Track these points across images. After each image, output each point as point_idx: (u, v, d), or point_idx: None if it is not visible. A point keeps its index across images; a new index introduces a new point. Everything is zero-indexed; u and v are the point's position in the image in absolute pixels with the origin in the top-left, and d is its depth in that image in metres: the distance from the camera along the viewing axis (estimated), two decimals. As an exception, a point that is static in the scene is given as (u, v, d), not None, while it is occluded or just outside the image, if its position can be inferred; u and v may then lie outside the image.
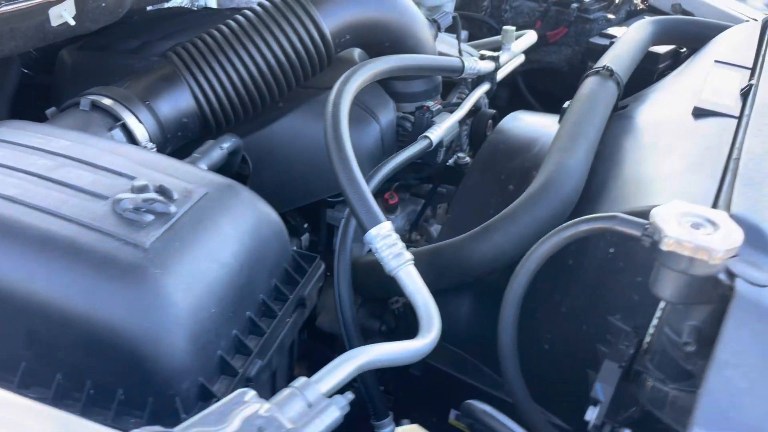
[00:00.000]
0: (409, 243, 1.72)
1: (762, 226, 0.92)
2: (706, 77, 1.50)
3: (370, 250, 1.70)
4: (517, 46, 1.89)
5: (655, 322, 1.02)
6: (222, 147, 1.30)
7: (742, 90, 1.40)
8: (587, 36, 2.42)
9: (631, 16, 2.50)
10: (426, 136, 1.50)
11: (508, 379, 1.06)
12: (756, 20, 2.06)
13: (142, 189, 0.96)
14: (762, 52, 1.61)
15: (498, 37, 1.91)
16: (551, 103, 1.89)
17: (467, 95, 1.72)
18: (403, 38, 1.56)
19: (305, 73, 1.48)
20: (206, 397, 0.90)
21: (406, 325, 1.49)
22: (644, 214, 0.89)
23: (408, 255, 1.07)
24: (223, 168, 1.49)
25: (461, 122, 1.74)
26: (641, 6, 2.50)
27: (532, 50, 2.50)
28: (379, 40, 1.55)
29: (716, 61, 1.59)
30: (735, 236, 0.83)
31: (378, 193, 1.73)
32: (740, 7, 2.43)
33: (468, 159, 1.76)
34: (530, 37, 2.01)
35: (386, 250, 1.07)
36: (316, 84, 1.56)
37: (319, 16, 1.45)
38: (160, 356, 0.85)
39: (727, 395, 0.76)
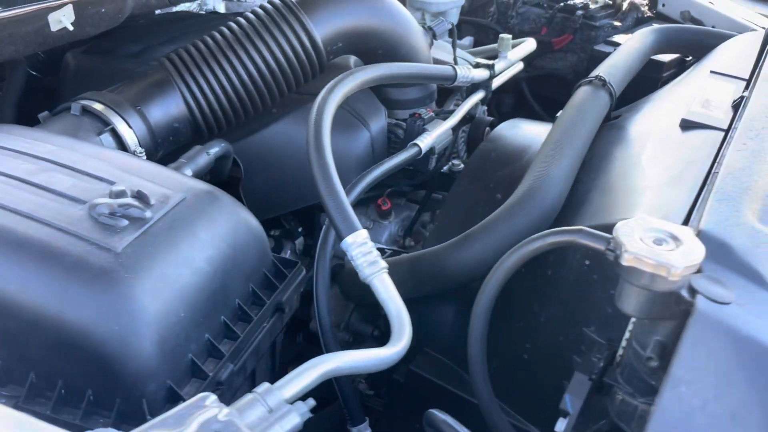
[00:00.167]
0: (403, 249, 1.73)
1: (730, 243, 0.92)
2: (700, 88, 1.49)
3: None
4: (514, 54, 1.89)
5: (627, 335, 1.02)
6: (209, 153, 1.32)
7: (733, 102, 1.39)
8: (593, 43, 2.40)
9: (639, 23, 2.49)
10: (415, 144, 1.51)
11: (477, 388, 1.07)
12: (764, 28, 2.04)
13: (120, 194, 0.99)
14: (760, 64, 1.59)
15: (496, 45, 1.91)
16: (556, 110, 1.89)
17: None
18: (396, 46, 1.57)
19: (297, 80, 1.50)
20: (174, 400, 0.92)
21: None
22: (612, 227, 0.89)
23: (382, 263, 1.09)
24: (214, 173, 1.52)
25: (457, 129, 1.75)
26: (649, 14, 2.48)
27: (537, 57, 2.50)
28: (372, 47, 1.57)
29: (712, 72, 1.58)
30: (696, 253, 0.82)
31: (371, 199, 1.74)
32: (751, 15, 2.40)
33: (463, 166, 1.77)
34: (529, 44, 2.00)
35: (361, 257, 1.08)
36: (310, 90, 1.57)
37: (310, 24, 1.46)
38: (126, 358, 0.87)
39: (680, 412, 0.76)
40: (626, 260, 0.82)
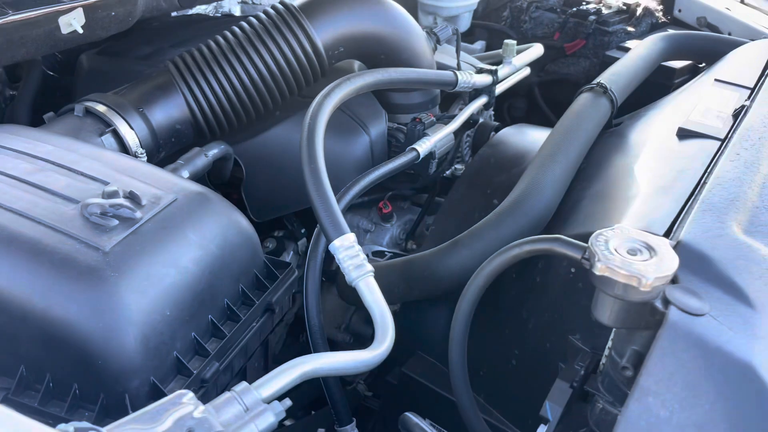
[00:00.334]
0: (404, 252, 1.74)
1: (710, 254, 0.91)
2: (702, 96, 1.47)
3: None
4: (520, 60, 1.89)
5: (610, 344, 1.02)
6: (207, 155, 1.35)
7: (734, 111, 1.38)
8: (605, 48, 2.39)
9: (654, 29, 2.46)
10: (413, 149, 1.52)
11: (457, 392, 1.07)
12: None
13: (112, 194, 1.01)
14: (766, 73, 1.58)
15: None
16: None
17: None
18: (398, 51, 1.59)
19: (298, 83, 1.52)
20: (158, 396, 0.94)
21: (397, 332, 1.51)
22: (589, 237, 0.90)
23: (368, 267, 1.10)
24: (216, 174, 1.55)
25: (460, 134, 1.76)
26: (663, 19, 2.46)
27: (549, 61, 2.50)
28: (374, 52, 1.58)
29: (716, 80, 1.56)
30: (669, 264, 0.83)
31: (373, 202, 1.76)
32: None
33: (465, 170, 1.77)
34: (535, 50, 2.00)
35: (348, 261, 1.10)
36: (313, 94, 1.59)
37: (312, 29, 1.48)
38: (110, 355, 0.90)
39: (646, 423, 0.76)
40: (599, 270, 0.83)
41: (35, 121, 1.61)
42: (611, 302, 0.86)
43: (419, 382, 1.37)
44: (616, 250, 0.84)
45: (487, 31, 2.64)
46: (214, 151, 1.37)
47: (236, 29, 1.50)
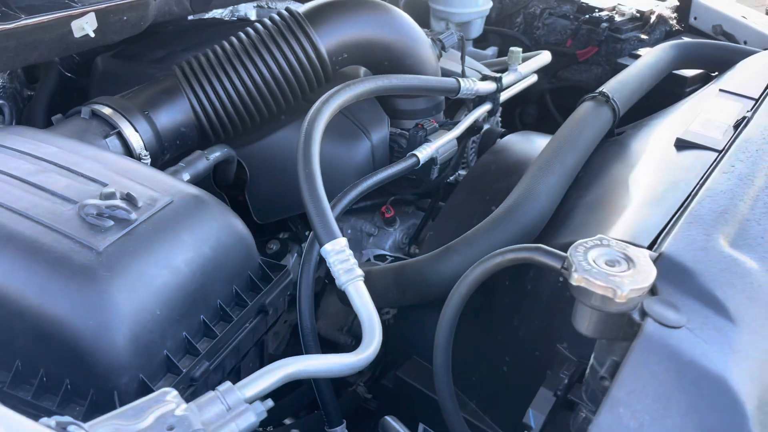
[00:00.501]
0: (407, 256, 1.75)
1: (692, 267, 0.91)
2: (705, 107, 1.47)
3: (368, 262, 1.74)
4: (526, 67, 1.89)
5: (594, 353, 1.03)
6: (208, 158, 1.38)
7: (735, 122, 1.37)
8: (618, 56, 2.38)
9: (669, 36, 2.45)
10: (414, 154, 1.53)
11: (441, 397, 1.09)
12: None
13: (109, 196, 1.05)
14: (771, 83, 1.56)
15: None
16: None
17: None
18: (401, 57, 1.60)
19: (302, 89, 1.55)
20: (146, 393, 0.97)
21: (395, 336, 1.53)
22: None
23: (358, 271, 1.12)
24: (219, 177, 1.58)
25: (463, 140, 1.77)
26: (678, 27, 2.44)
27: (561, 68, 2.50)
28: (378, 58, 1.60)
29: (721, 90, 1.55)
30: (646, 276, 0.83)
31: (376, 206, 1.77)
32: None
33: (468, 177, 1.78)
34: (542, 57, 2.00)
35: (338, 265, 1.12)
36: (317, 99, 1.62)
37: (315, 36, 1.51)
38: (99, 352, 0.93)
39: (616, 434, 0.77)
40: (575, 280, 0.84)
41: (51, 121, 1.65)
42: (589, 313, 0.86)
43: (413, 386, 1.38)
44: (594, 261, 0.85)
45: (500, 37, 2.64)
46: (215, 154, 1.40)
47: (241, 35, 1.53)
